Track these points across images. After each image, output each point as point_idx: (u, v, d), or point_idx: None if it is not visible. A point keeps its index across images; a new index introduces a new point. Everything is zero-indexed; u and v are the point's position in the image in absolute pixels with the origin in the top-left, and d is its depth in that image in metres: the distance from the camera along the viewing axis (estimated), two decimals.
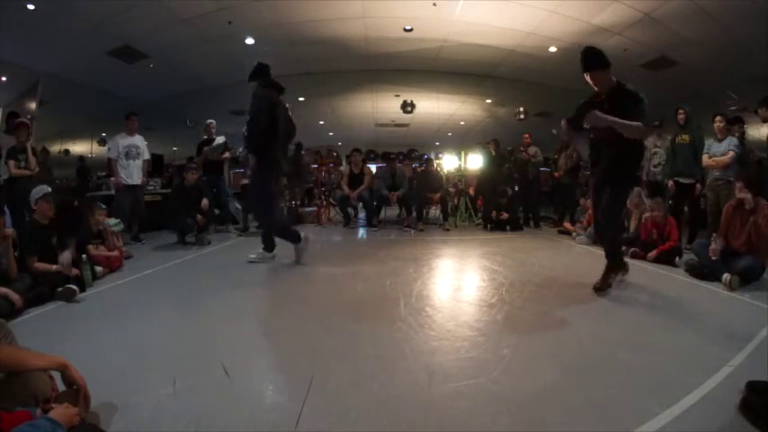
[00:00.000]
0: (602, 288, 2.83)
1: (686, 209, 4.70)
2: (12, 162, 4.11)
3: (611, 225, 2.94)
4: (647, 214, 4.00)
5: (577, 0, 5.22)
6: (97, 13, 5.21)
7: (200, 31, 6.03)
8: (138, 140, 5.04)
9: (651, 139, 5.16)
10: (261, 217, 4.08)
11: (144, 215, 5.21)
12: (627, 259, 3.90)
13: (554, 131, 3.16)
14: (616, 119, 2.53)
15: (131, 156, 4.93)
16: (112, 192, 5.25)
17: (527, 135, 6.73)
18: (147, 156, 5.13)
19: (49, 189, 3.03)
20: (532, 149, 6.59)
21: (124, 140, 4.94)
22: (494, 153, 6.79)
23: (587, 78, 2.68)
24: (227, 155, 5.80)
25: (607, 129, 2.60)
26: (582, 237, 4.83)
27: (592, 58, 2.65)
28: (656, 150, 5.00)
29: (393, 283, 3.06)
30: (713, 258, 3.16)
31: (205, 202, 4.92)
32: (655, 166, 4.99)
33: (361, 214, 6.76)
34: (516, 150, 7.01)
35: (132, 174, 4.93)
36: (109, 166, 5.14)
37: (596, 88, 2.72)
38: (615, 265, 2.98)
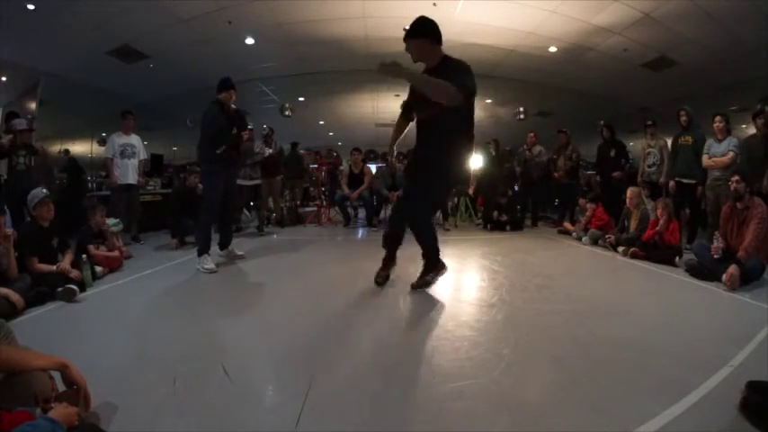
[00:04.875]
0: (418, 286, 2.81)
1: (687, 210, 4.70)
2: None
3: (417, 221, 2.74)
4: (659, 210, 3.97)
5: (577, 0, 5.22)
6: (97, 13, 5.20)
7: (200, 31, 6.02)
8: (135, 140, 5.00)
9: (644, 139, 5.17)
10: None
11: (140, 215, 5.16)
12: (627, 259, 3.94)
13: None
14: (415, 73, 2.41)
15: (127, 155, 4.89)
16: (108, 192, 5.22)
17: (533, 134, 6.74)
18: (143, 156, 5.08)
19: (45, 192, 3.02)
20: (537, 149, 6.60)
21: (120, 139, 4.91)
22: (494, 153, 6.81)
23: (407, 48, 2.57)
24: None
25: (432, 109, 2.41)
26: (587, 238, 4.84)
27: (415, 25, 2.53)
28: (649, 150, 5.00)
29: (393, 283, 3.05)
30: (716, 257, 3.16)
31: None
32: (650, 166, 4.98)
33: (361, 214, 6.76)
34: (521, 150, 7.01)
35: (127, 173, 4.88)
36: (105, 165, 5.13)
37: (414, 60, 2.59)
38: (432, 264, 2.85)
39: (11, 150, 4.14)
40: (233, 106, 3.75)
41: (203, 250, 3.52)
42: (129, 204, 4.90)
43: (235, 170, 3.98)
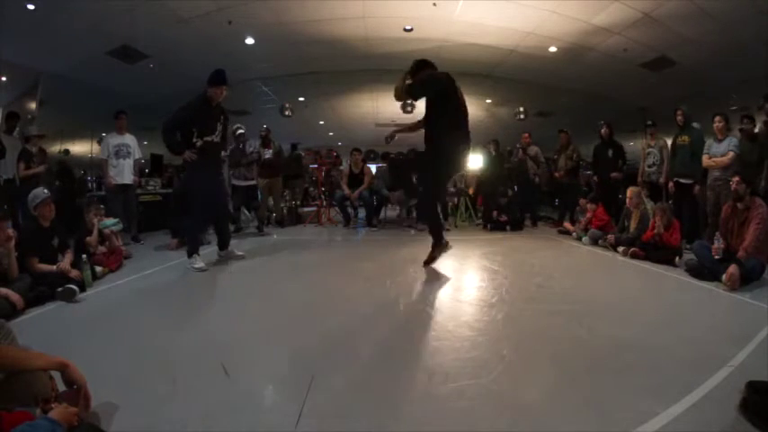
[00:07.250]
0: (428, 262, 3.33)
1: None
2: (22, 164, 4.36)
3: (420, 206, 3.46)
4: (657, 217, 3.97)
5: (577, 0, 5.22)
6: (97, 13, 5.20)
7: (200, 31, 6.02)
8: (129, 139, 5.00)
9: (644, 139, 5.17)
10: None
11: (137, 215, 5.16)
12: (626, 259, 3.94)
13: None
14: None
15: (121, 155, 4.88)
16: (104, 193, 5.24)
17: (526, 135, 6.74)
18: (138, 155, 5.07)
19: (47, 192, 3.03)
20: (533, 150, 6.59)
21: (114, 140, 4.91)
22: (494, 153, 6.81)
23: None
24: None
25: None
26: (587, 238, 4.84)
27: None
28: (649, 150, 5.00)
29: (393, 283, 3.06)
30: (717, 257, 3.16)
31: None
32: (649, 166, 4.98)
33: (361, 214, 6.76)
34: (514, 151, 7.02)
35: (123, 173, 4.88)
36: (101, 166, 5.16)
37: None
38: (436, 243, 3.30)
39: (28, 156, 4.39)
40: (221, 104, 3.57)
41: (192, 251, 3.52)
42: (125, 205, 4.88)
43: (218, 170, 3.80)
